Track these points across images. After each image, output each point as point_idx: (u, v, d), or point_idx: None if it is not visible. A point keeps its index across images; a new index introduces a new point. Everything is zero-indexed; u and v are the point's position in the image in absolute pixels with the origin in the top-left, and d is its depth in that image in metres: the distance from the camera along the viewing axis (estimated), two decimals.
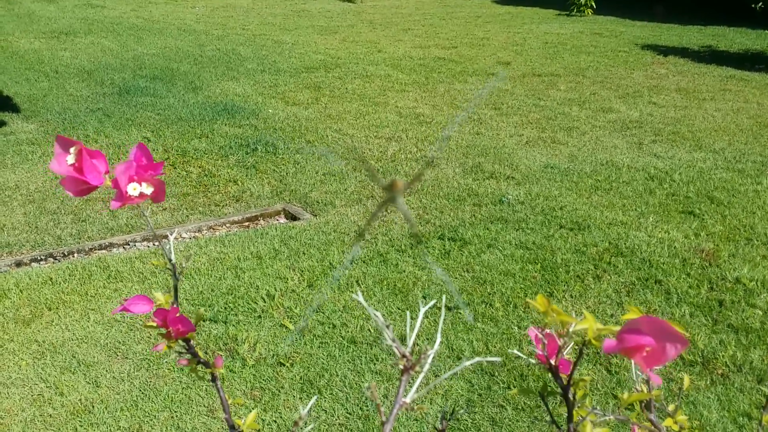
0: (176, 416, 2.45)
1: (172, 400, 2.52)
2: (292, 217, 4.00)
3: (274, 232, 3.72)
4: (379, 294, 3.14)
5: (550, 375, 0.77)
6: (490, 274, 3.30)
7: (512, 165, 4.68)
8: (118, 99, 6.10)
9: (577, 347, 0.66)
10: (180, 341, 0.74)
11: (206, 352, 2.77)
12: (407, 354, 0.55)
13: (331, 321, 2.95)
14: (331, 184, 4.36)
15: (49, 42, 8.44)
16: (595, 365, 2.66)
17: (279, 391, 2.55)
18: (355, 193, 4.21)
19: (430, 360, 0.55)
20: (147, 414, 2.46)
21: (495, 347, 2.77)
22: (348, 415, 2.44)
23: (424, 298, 3.10)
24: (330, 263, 3.40)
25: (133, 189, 0.71)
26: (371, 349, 2.77)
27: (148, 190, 0.72)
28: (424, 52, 8.30)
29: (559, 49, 8.61)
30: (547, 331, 0.81)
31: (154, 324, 0.73)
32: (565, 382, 0.66)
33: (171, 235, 0.79)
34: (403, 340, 2.82)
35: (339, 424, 2.40)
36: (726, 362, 2.69)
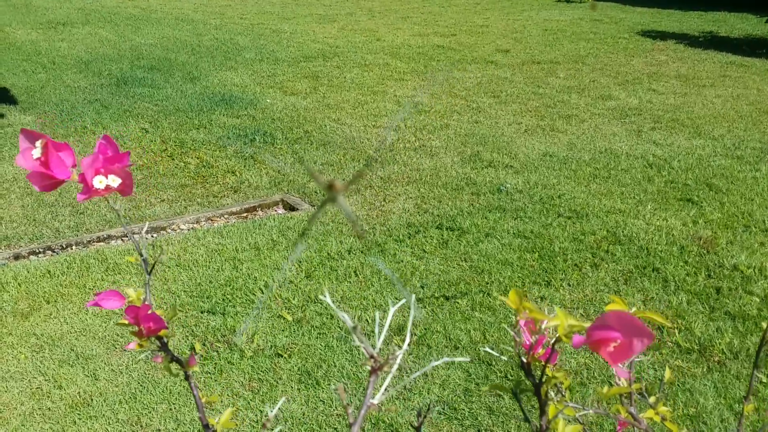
0: (175, 408, 2.45)
1: (170, 393, 2.52)
2: (291, 208, 4.00)
3: (272, 223, 3.72)
4: (377, 284, 3.14)
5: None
6: (488, 263, 3.30)
7: (511, 153, 4.68)
8: (116, 90, 6.09)
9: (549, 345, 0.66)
10: (152, 339, 0.74)
11: (204, 344, 2.77)
12: (375, 355, 0.55)
13: (328, 312, 2.96)
14: (330, 174, 4.35)
15: (46, 33, 8.42)
16: (592, 354, 2.66)
17: (277, 383, 2.55)
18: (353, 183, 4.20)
19: (398, 361, 0.55)
20: (146, 406, 2.47)
21: (492, 336, 2.77)
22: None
23: (422, 287, 3.10)
24: (328, 254, 3.40)
25: (99, 182, 0.70)
26: (369, 339, 2.77)
27: (114, 182, 0.71)
28: (423, 41, 8.27)
29: (558, 36, 8.58)
30: (522, 324, 0.81)
31: (126, 322, 0.72)
32: (538, 379, 0.66)
33: (142, 230, 0.79)
34: (400, 330, 2.83)
35: (337, 414, 2.41)
36: (723, 349, 2.70)
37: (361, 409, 0.55)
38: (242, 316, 2.93)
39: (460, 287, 3.11)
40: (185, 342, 2.78)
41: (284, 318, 2.92)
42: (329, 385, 2.54)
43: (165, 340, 0.73)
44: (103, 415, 2.43)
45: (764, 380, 2.50)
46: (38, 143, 0.68)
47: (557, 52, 7.66)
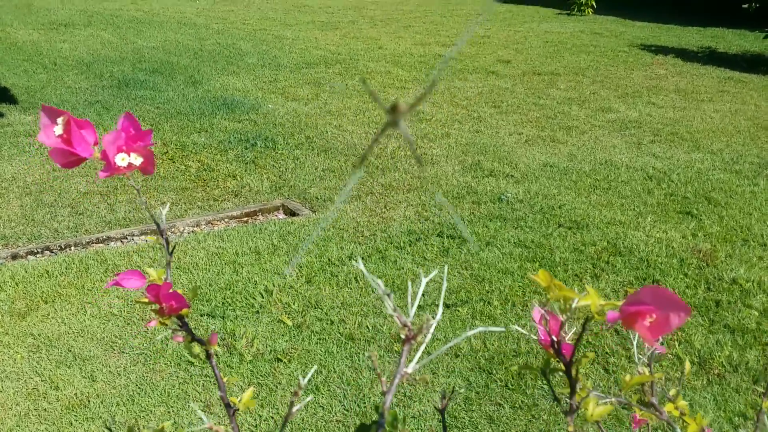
0: (173, 411, 2.44)
1: (168, 395, 2.51)
2: (291, 213, 4.00)
3: (272, 228, 3.72)
4: (377, 290, 3.13)
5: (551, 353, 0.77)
6: (489, 272, 3.30)
7: (511, 163, 4.68)
8: (117, 92, 6.08)
9: (578, 330, 0.66)
10: (174, 318, 0.73)
11: (203, 347, 2.76)
12: (408, 323, 0.55)
13: (329, 317, 2.95)
14: (330, 180, 4.35)
15: (48, 33, 8.42)
16: (592, 364, 2.66)
17: (276, 387, 2.54)
18: (354, 190, 4.20)
19: (432, 330, 0.55)
20: (143, 409, 2.46)
21: (493, 345, 2.77)
22: (345, 412, 2.43)
23: (423, 295, 3.10)
24: (328, 259, 3.40)
25: (121, 159, 0.70)
26: (369, 345, 2.77)
27: (136, 160, 0.71)
28: (425, 50, 8.29)
29: (559, 48, 8.61)
30: (548, 309, 0.81)
31: (146, 300, 0.72)
32: (567, 359, 0.66)
33: (164, 209, 0.79)
34: (400, 337, 2.82)
35: (336, 420, 2.40)
36: (722, 362, 2.70)
37: (395, 377, 0.55)
38: (242, 320, 2.92)
39: (461, 295, 3.11)
40: (185, 346, 2.77)
41: (284, 323, 2.91)
42: (328, 390, 2.53)
43: (185, 319, 0.73)
44: (100, 416, 2.42)
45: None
46: (60, 120, 0.67)
47: (558, 64, 7.68)
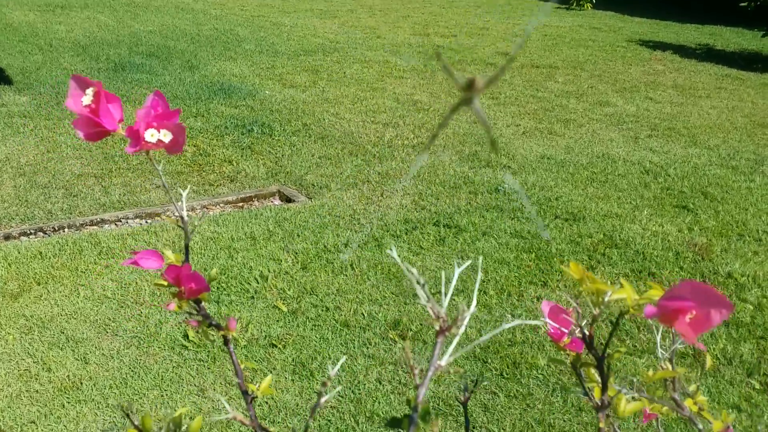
0: (166, 395, 2.43)
1: (162, 379, 2.50)
2: (287, 199, 3.98)
3: (268, 214, 3.70)
4: (372, 278, 3.12)
5: (553, 349, 0.75)
6: (485, 261, 3.29)
7: (509, 154, 4.67)
8: (113, 75, 6.04)
9: (607, 320, 0.64)
10: (191, 302, 0.72)
11: (197, 332, 2.74)
12: (443, 315, 0.54)
13: (324, 304, 2.94)
14: (327, 167, 4.33)
15: (44, 15, 8.35)
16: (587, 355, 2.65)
17: (271, 373, 2.53)
18: (350, 177, 4.19)
19: (466, 321, 0.53)
20: (136, 392, 2.44)
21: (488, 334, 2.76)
22: (340, 398, 2.43)
23: (419, 283, 3.08)
24: (324, 246, 3.38)
25: (150, 135, 0.69)
26: (364, 332, 2.76)
27: (166, 137, 0.69)
28: (424, 40, 8.26)
29: (557, 41, 8.59)
30: (545, 311, 0.79)
31: (165, 282, 0.70)
32: (600, 353, 0.64)
33: (184, 192, 0.77)
34: (396, 324, 2.81)
35: (331, 407, 2.39)
36: (717, 355, 2.70)
37: (428, 370, 0.54)
38: (236, 305, 2.91)
39: (457, 285, 3.09)
40: (179, 329, 2.76)
41: (279, 308, 2.90)
42: (323, 376, 2.52)
43: (202, 303, 0.71)
44: (93, 399, 2.41)
45: (757, 387, 2.50)
46: (89, 90, 0.66)
47: (556, 57, 7.66)
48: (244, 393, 0.71)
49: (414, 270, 0.55)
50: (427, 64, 6.84)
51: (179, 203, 0.72)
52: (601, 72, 7.10)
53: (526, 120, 5.43)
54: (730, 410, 2.39)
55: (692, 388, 0.76)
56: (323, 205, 3.83)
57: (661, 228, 3.69)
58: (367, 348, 2.68)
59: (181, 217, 0.71)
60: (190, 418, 0.69)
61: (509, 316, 2.89)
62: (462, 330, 0.54)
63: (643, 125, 5.44)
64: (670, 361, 0.75)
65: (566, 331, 0.73)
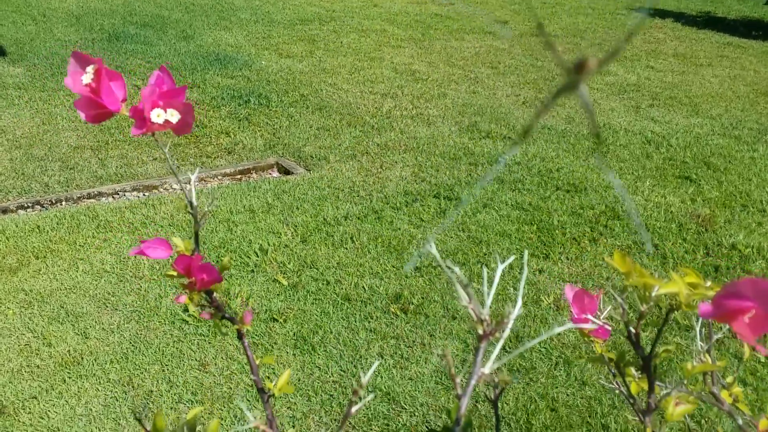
0: (167, 370, 2.41)
1: (163, 354, 2.48)
2: (285, 171, 3.94)
3: (267, 186, 3.66)
4: (373, 251, 3.10)
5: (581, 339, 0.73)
6: (486, 234, 3.26)
7: (509, 125, 4.62)
8: (108, 45, 5.96)
9: (648, 313, 0.61)
10: (202, 293, 0.68)
11: (198, 306, 2.72)
12: (486, 318, 0.50)
13: (324, 277, 2.91)
14: (325, 138, 4.29)
15: None
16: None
17: (272, 347, 2.51)
18: (349, 149, 4.14)
19: (511, 324, 0.50)
20: (137, 367, 2.42)
21: (491, 308, 2.74)
22: (342, 373, 2.41)
23: (419, 256, 3.06)
24: (324, 219, 3.35)
25: (156, 116, 0.64)
26: (365, 306, 2.74)
27: (173, 117, 0.65)
28: (421, 8, 8.16)
29: (556, 9, 8.49)
30: (569, 296, 0.76)
31: (175, 273, 0.67)
32: (646, 353, 0.61)
33: (193, 175, 0.73)
34: (397, 298, 2.79)
35: (333, 381, 2.37)
36: (721, 328, 2.68)
37: (470, 379, 0.51)
38: (236, 279, 2.88)
39: (458, 257, 3.07)
40: (179, 304, 2.73)
41: (279, 282, 2.88)
42: (325, 351, 2.51)
43: (215, 294, 0.68)
44: (94, 374, 2.39)
45: (762, 359, 2.49)
46: (90, 68, 0.62)
47: (555, 26, 7.58)
48: (260, 391, 0.67)
49: (457, 269, 0.52)
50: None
51: (188, 188, 0.68)
52: (602, 40, 7.02)
53: (525, 90, 5.38)
54: (737, 384, 2.38)
55: (729, 379, 0.73)
56: (322, 177, 3.79)
57: (664, 199, 3.66)
58: (369, 322, 2.66)
59: (190, 203, 0.68)
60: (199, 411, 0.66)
61: (511, 289, 2.86)
62: (506, 334, 0.50)
63: (644, 94, 5.39)
64: (709, 352, 0.72)
65: (634, 330, 0.70)
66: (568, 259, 3.10)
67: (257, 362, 0.69)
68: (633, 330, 0.61)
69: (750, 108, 5.20)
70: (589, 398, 2.32)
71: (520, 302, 0.56)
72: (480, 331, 0.50)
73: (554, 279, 2.95)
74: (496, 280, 0.54)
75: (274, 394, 0.68)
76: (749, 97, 5.44)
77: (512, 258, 0.65)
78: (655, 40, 7.17)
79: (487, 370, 0.50)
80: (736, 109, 5.14)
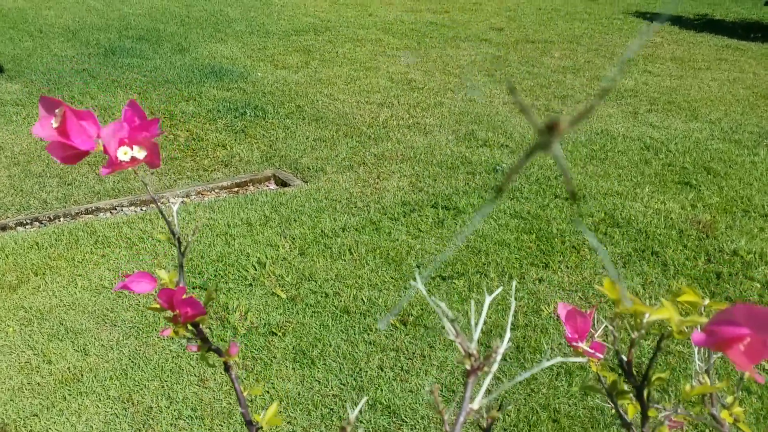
0: (167, 385, 2.40)
1: (162, 369, 2.47)
2: (282, 183, 3.93)
3: (264, 198, 3.65)
4: (372, 263, 3.09)
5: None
6: (485, 243, 3.25)
7: (506, 133, 4.62)
8: (104, 60, 5.96)
9: (618, 331, 0.60)
10: (188, 325, 0.67)
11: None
12: (474, 352, 0.49)
13: (323, 290, 2.90)
14: (322, 150, 4.28)
15: (33, 0, 8.23)
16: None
17: (271, 361, 2.50)
18: (346, 160, 4.13)
19: (499, 358, 0.49)
20: (137, 383, 2.41)
21: (490, 318, 2.73)
22: (342, 386, 2.39)
23: (418, 267, 3.05)
24: (322, 231, 3.34)
25: (123, 153, 0.63)
26: (364, 318, 2.72)
27: (140, 154, 0.64)
28: (416, 17, 8.17)
29: (552, 15, 8.50)
30: (562, 316, 0.75)
31: (158, 306, 0.66)
32: (638, 381, 0.60)
33: (174, 205, 0.72)
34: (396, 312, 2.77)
35: (333, 395, 2.36)
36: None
37: (459, 415, 0.49)
38: (235, 293, 2.87)
39: (457, 267, 3.06)
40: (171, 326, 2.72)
41: (278, 295, 2.86)
42: (324, 364, 2.49)
43: (201, 326, 0.67)
44: (94, 391, 2.38)
45: (767, 367, 2.47)
46: (57, 111, 0.61)
47: (551, 32, 7.58)
48: (249, 423, 0.66)
49: (442, 304, 0.50)
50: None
51: (170, 218, 0.67)
52: (598, 46, 7.02)
53: (522, 97, 5.37)
54: (740, 392, 2.36)
55: (729, 399, 0.72)
56: (319, 188, 3.79)
57: (664, 205, 3.65)
58: (368, 334, 2.64)
59: (172, 232, 0.67)
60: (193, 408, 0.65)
61: (512, 299, 2.85)
62: (495, 368, 0.49)
63: (642, 100, 5.39)
64: (707, 373, 0.71)
65: (626, 359, 0.69)
66: (567, 268, 3.08)
67: (245, 393, 0.67)
68: (625, 358, 0.60)
69: (750, 111, 5.19)
70: (591, 408, 2.30)
71: (508, 334, 0.54)
72: (468, 366, 0.49)
73: (554, 288, 2.94)
74: (484, 312, 0.53)
75: (261, 427, 0.66)
76: (749, 100, 5.43)
77: (500, 290, 0.64)
78: (653, 44, 7.18)
79: (475, 405, 0.49)
80: (736, 113, 5.14)
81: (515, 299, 2.85)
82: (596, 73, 6.04)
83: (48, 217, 3.51)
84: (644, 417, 0.59)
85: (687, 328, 0.53)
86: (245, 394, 0.68)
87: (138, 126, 0.63)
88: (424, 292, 0.47)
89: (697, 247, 3.26)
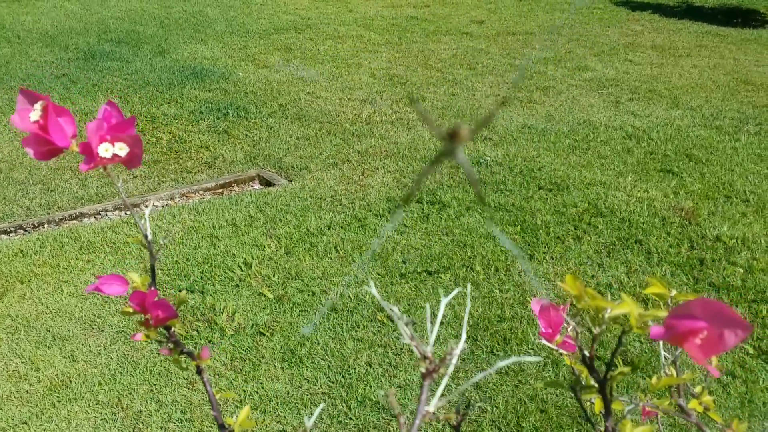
0: (156, 389, 2.40)
1: (150, 373, 2.46)
2: (267, 183, 3.93)
3: (249, 199, 3.65)
4: (358, 260, 3.09)
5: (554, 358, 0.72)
6: (470, 237, 3.26)
7: (489, 126, 4.63)
8: (84, 64, 5.93)
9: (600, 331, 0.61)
10: (160, 328, 0.67)
11: (184, 323, 2.71)
12: (429, 355, 0.50)
13: (310, 288, 2.90)
14: (306, 148, 4.28)
15: (10, 6, 8.17)
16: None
17: (260, 361, 2.50)
18: (330, 157, 4.13)
19: (455, 360, 0.50)
20: (126, 387, 2.41)
21: (477, 311, 2.74)
22: (331, 384, 2.40)
23: (404, 262, 3.06)
24: (307, 229, 3.34)
25: (104, 150, 0.64)
26: (351, 315, 2.73)
27: (122, 151, 0.64)
28: (397, 12, 8.16)
29: (533, 6, 8.52)
30: (536, 311, 0.76)
31: (131, 310, 0.66)
32: (601, 376, 0.61)
33: (147, 209, 0.72)
34: (382, 308, 2.78)
35: (322, 393, 2.36)
36: None
37: (416, 418, 0.50)
38: (222, 294, 2.87)
39: (443, 262, 3.07)
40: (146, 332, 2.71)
41: (265, 295, 2.87)
42: (312, 362, 2.50)
43: (173, 329, 0.67)
44: (83, 396, 2.37)
45: (751, 351, 2.50)
46: (37, 105, 0.61)
47: (532, 23, 7.60)
48: (221, 427, 0.67)
49: (395, 309, 0.51)
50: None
51: (142, 221, 0.67)
52: (579, 36, 7.05)
53: (504, 89, 5.39)
54: (725, 377, 2.38)
55: (698, 389, 0.73)
56: (304, 187, 3.79)
57: (646, 194, 3.67)
58: (356, 331, 2.65)
59: (145, 236, 0.67)
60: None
61: (497, 291, 2.86)
62: (451, 370, 0.50)
63: (623, 89, 5.41)
64: (675, 364, 0.72)
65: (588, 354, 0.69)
66: (552, 259, 3.10)
67: (217, 396, 0.68)
68: (587, 354, 0.61)
69: (730, 97, 5.22)
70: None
71: (464, 336, 0.55)
72: (423, 369, 0.49)
73: (540, 279, 2.96)
74: (440, 315, 0.54)
75: (234, 431, 0.67)
76: (729, 86, 5.47)
77: (457, 290, 0.65)
78: (633, 32, 7.21)
79: (431, 408, 0.49)
80: (717, 99, 5.17)
81: (501, 291, 2.87)
82: (577, 63, 6.06)
83: (32, 224, 3.49)
84: (607, 411, 0.60)
85: (647, 323, 0.54)
86: (218, 397, 0.69)
87: (117, 125, 0.63)
88: (375, 294, 0.48)
89: (680, 234, 3.28)
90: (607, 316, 0.56)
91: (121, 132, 0.64)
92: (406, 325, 0.50)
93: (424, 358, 0.50)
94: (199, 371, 0.68)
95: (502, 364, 0.52)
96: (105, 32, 7.04)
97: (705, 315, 0.49)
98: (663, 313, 0.52)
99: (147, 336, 0.66)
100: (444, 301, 0.55)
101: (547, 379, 2.39)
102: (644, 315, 0.52)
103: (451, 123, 4.63)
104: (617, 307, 0.54)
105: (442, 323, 2.68)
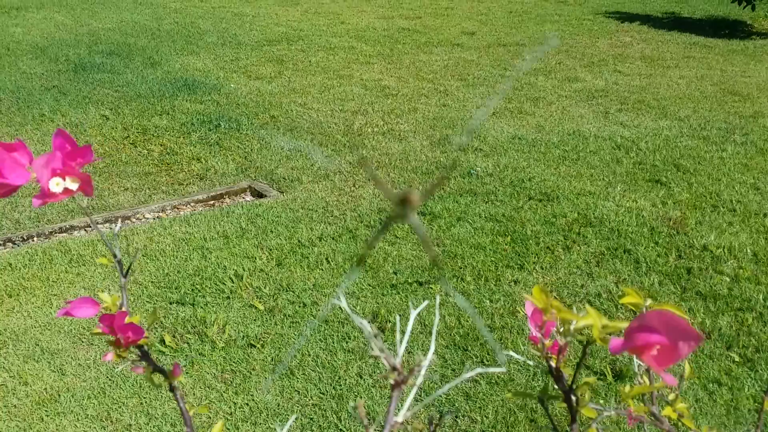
0: (146, 402, 2.39)
1: (140, 387, 2.46)
2: (259, 195, 3.93)
3: (240, 211, 3.66)
4: (349, 271, 3.10)
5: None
6: (461, 247, 3.27)
7: (480, 137, 4.65)
8: (74, 76, 5.93)
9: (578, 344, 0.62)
10: (132, 348, 0.68)
11: (174, 336, 2.71)
12: (398, 367, 0.51)
13: (301, 300, 2.91)
14: (297, 160, 4.29)
15: (0, 18, 8.17)
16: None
17: (251, 374, 2.50)
18: (322, 169, 4.15)
19: (423, 372, 0.50)
20: (115, 401, 2.40)
21: (467, 322, 2.75)
22: (321, 395, 2.40)
23: (395, 273, 3.07)
24: (299, 241, 3.35)
25: (55, 185, 0.63)
26: (343, 327, 2.74)
27: (73, 185, 0.64)
28: (388, 23, 8.20)
29: (523, 18, 8.57)
30: (548, 321, 0.77)
31: (101, 331, 0.67)
32: (567, 385, 0.62)
33: (117, 227, 0.73)
34: (375, 317, 2.79)
35: (312, 404, 2.37)
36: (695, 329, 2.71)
37: (384, 429, 0.51)
38: (212, 307, 2.87)
39: (434, 272, 3.08)
40: (155, 334, 2.72)
41: (256, 307, 2.87)
42: (303, 374, 2.50)
43: (146, 348, 0.68)
44: (72, 411, 2.37)
45: (737, 359, 2.52)
46: None
47: (523, 35, 7.64)
48: None
49: (365, 322, 0.52)
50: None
51: (112, 241, 0.68)
52: (569, 47, 7.09)
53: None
54: (711, 384, 2.40)
55: (671, 396, 0.74)
56: (295, 198, 3.79)
57: (635, 204, 3.70)
58: (347, 342, 2.65)
59: (114, 255, 0.68)
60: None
61: (487, 301, 2.87)
62: (420, 381, 0.51)
63: (612, 99, 5.45)
64: (648, 372, 0.73)
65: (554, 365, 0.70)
66: (542, 269, 3.11)
67: (191, 412, 0.68)
68: (553, 365, 0.62)
69: (718, 107, 5.26)
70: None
71: (432, 347, 0.56)
72: (392, 381, 0.50)
73: (529, 289, 2.97)
74: (409, 327, 0.55)
75: None
76: (716, 97, 5.51)
77: (425, 303, 0.66)
78: (622, 44, 7.26)
79: (400, 419, 0.50)
80: (704, 109, 5.21)
81: (491, 301, 2.88)
82: (567, 74, 6.09)
83: (21, 237, 3.49)
84: (572, 419, 0.61)
85: (609, 335, 0.55)
86: (191, 413, 0.69)
87: (71, 153, 0.63)
88: (345, 307, 0.49)
89: (668, 243, 3.30)
90: (572, 327, 0.57)
91: (76, 160, 0.63)
92: (375, 336, 0.51)
93: (394, 369, 0.51)
94: (172, 389, 0.68)
95: (466, 376, 0.53)
96: (96, 44, 7.04)
97: (660, 326, 0.50)
98: (624, 325, 0.53)
99: (119, 356, 0.66)
100: (413, 314, 0.56)
101: (537, 389, 2.40)
102: (608, 327, 0.54)
103: (442, 134, 4.66)
104: (581, 319, 0.55)
105: (432, 333, 2.68)
